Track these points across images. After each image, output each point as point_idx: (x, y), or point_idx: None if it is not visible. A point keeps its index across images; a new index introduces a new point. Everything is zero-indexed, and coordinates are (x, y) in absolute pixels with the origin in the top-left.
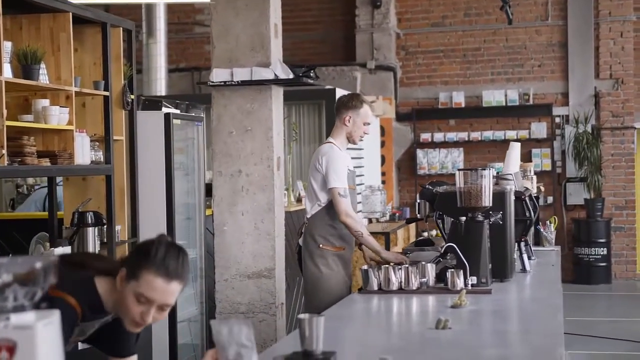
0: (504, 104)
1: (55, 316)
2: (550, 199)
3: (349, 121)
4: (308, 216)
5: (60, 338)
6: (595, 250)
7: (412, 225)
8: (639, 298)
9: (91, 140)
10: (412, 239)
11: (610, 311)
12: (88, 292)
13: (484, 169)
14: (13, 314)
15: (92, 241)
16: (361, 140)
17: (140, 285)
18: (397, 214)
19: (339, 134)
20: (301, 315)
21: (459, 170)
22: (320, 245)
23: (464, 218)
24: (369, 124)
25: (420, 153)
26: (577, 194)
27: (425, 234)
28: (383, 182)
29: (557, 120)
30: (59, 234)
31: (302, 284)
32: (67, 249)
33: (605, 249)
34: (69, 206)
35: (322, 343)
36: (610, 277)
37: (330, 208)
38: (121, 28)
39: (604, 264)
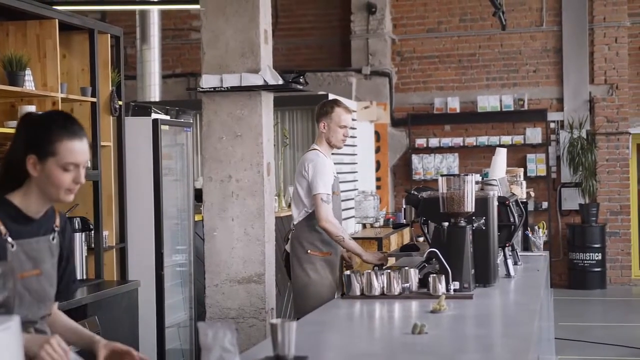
0: (499, 109)
1: (14, 321)
2: (545, 204)
3: (324, 127)
4: (295, 222)
5: (20, 343)
6: (590, 256)
7: (406, 231)
8: (633, 303)
9: None
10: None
11: (605, 316)
12: (3, 206)
13: (467, 175)
14: None
15: (79, 247)
16: (343, 142)
17: (62, 157)
18: (391, 219)
19: (320, 140)
20: (273, 320)
21: (441, 176)
22: (308, 251)
23: (446, 223)
24: (345, 126)
25: (415, 158)
26: (572, 199)
27: (421, 239)
28: (378, 187)
29: (552, 125)
30: None
31: (291, 290)
32: None
33: (600, 254)
34: None
35: (295, 348)
36: (605, 282)
37: None
38: (109, 34)
39: (598, 269)
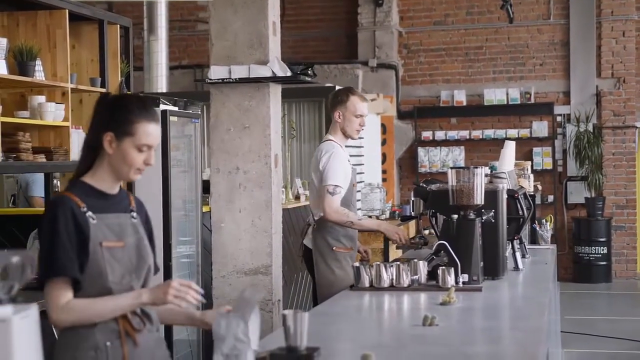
0: (505, 102)
1: (32, 310)
2: (551, 198)
3: (339, 117)
4: (316, 218)
5: (38, 331)
6: (595, 249)
7: (413, 223)
8: (639, 297)
9: None
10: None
11: (610, 310)
12: (78, 185)
13: (476, 168)
14: None
15: None
16: (359, 133)
17: (139, 138)
18: (397, 212)
19: (335, 130)
20: (285, 311)
21: (451, 168)
22: (334, 248)
23: (455, 216)
24: (360, 116)
25: (421, 151)
26: (578, 193)
27: (427, 231)
28: (384, 180)
29: (559, 119)
30: None
31: (314, 286)
32: None
33: (605, 247)
34: None
35: (307, 339)
36: (610, 276)
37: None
38: (118, 25)
39: (604, 263)
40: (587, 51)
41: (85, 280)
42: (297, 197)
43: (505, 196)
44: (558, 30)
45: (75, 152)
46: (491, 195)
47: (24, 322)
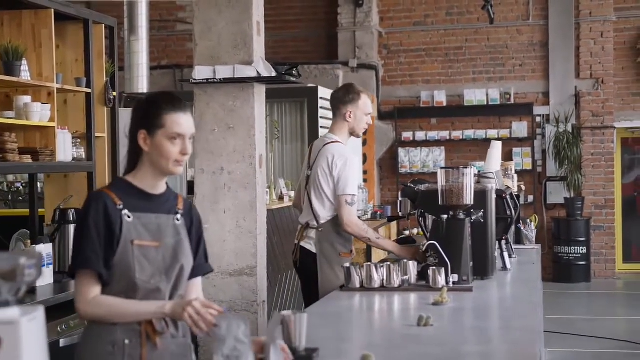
0: (485, 103)
1: (39, 312)
2: (530, 198)
3: (350, 116)
4: (322, 221)
5: (45, 333)
6: (575, 249)
7: (394, 224)
8: (617, 296)
9: (73, 137)
10: (394, 237)
11: (590, 309)
12: (119, 183)
13: (466, 168)
14: None
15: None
16: (364, 131)
17: (169, 128)
18: (378, 213)
19: (340, 130)
20: (284, 312)
21: (441, 168)
22: (341, 254)
23: (445, 216)
24: (369, 114)
25: (401, 152)
26: (557, 193)
27: (407, 232)
28: (365, 180)
29: (538, 119)
30: (40, 231)
31: (302, 287)
32: (48, 246)
33: (584, 247)
34: (50, 203)
35: (305, 340)
36: (589, 275)
37: None
38: (103, 25)
39: (583, 263)
40: (566, 52)
41: (113, 276)
42: (281, 198)
43: (494, 196)
44: (537, 31)
45: (61, 152)
46: (480, 195)
47: (32, 324)
